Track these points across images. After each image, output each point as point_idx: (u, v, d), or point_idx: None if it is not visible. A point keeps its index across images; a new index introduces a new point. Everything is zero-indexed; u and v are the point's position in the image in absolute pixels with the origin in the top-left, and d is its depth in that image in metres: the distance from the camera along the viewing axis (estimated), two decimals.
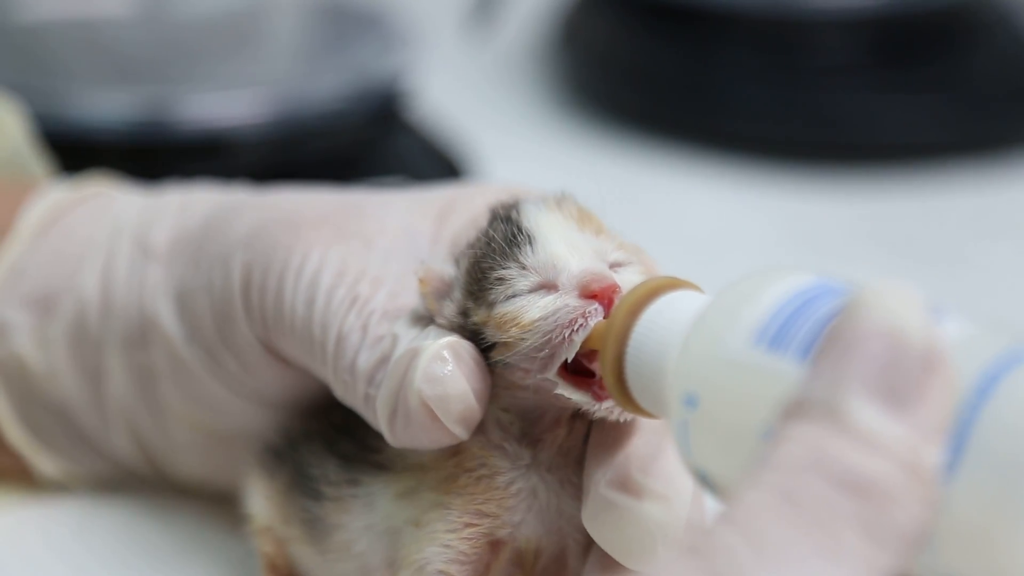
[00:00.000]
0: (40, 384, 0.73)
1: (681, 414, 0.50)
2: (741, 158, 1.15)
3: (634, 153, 1.17)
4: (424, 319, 0.61)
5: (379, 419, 0.60)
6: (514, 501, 0.60)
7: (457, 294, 0.60)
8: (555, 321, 0.57)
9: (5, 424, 0.74)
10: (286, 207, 0.67)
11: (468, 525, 0.60)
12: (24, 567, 0.71)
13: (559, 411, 0.60)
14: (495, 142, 1.13)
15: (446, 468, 0.60)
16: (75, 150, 0.90)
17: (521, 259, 0.59)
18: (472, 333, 0.59)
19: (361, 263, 0.63)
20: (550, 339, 0.57)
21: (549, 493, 0.60)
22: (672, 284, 0.55)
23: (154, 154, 0.94)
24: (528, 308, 0.58)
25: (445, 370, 0.58)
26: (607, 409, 0.57)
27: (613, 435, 0.58)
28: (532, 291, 0.58)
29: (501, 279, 0.59)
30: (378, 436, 0.62)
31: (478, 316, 0.59)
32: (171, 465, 0.73)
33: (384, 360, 0.61)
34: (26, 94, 0.90)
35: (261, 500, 0.67)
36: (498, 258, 0.59)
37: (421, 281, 0.61)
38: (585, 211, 0.61)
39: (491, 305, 0.59)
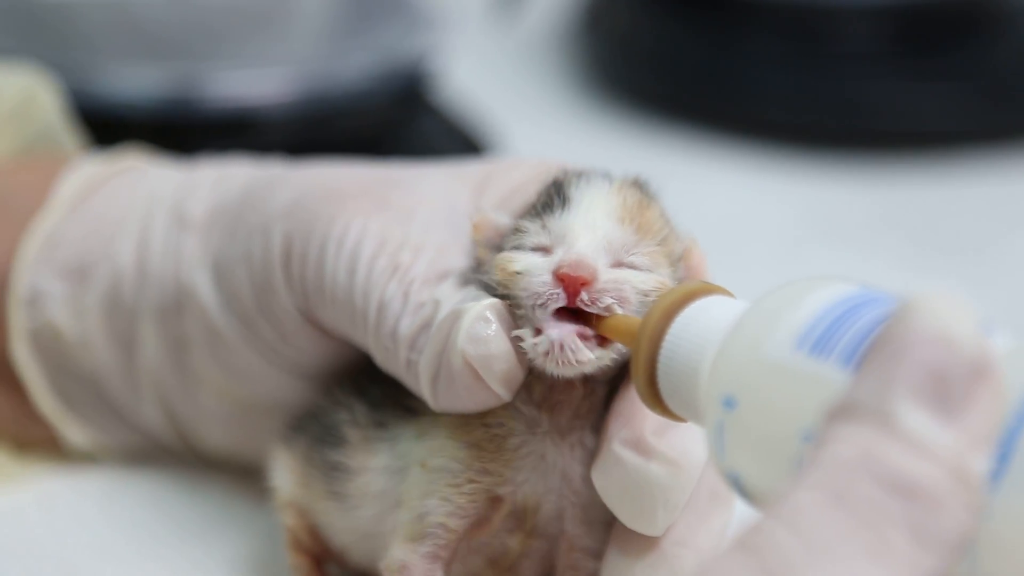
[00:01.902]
0: (73, 353, 0.73)
1: (718, 415, 0.51)
2: (763, 144, 1.15)
3: (656, 139, 1.17)
4: (470, 281, 0.62)
5: (421, 382, 0.61)
6: (521, 462, 0.60)
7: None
8: (526, 283, 0.58)
9: (37, 393, 0.74)
10: (326, 179, 0.67)
11: (471, 481, 0.60)
12: (52, 537, 0.72)
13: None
14: (518, 125, 1.13)
15: (464, 415, 0.61)
16: (106, 126, 0.91)
17: (545, 220, 0.60)
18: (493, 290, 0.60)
19: (402, 232, 0.64)
20: (522, 300, 0.58)
21: (557, 456, 0.60)
22: (707, 289, 0.55)
23: (182, 131, 0.94)
24: (517, 261, 0.59)
25: (488, 331, 0.59)
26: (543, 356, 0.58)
27: (636, 400, 0.59)
28: (533, 249, 0.59)
29: (518, 229, 0.60)
30: None
31: (492, 260, 0.60)
32: (200, 437, 0.74)
33: (426, 326, 0.61)
34: (59, 70, 0.91)
35: (283, 472, 0.68)
36: (531, 213, 0.61)
37: (475, 227, 0.62)
38: (646, 203, 0.61)
39: (501, 250, 0.60)
